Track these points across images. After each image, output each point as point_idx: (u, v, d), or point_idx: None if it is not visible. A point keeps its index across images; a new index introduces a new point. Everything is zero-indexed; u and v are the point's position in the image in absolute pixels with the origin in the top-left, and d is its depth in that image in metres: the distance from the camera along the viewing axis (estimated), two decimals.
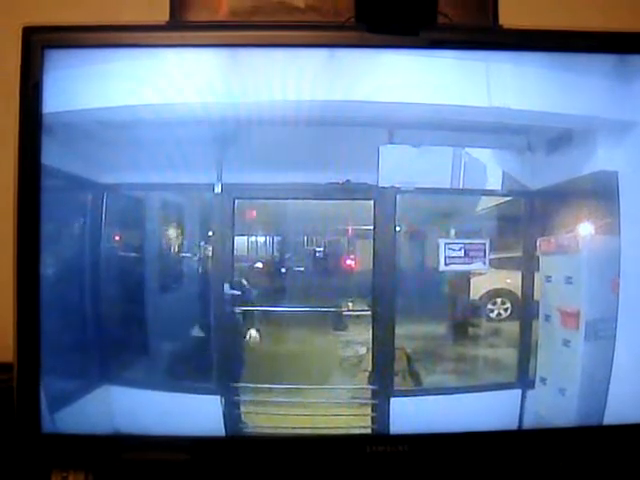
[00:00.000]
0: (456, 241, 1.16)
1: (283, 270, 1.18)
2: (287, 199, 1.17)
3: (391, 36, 1.08)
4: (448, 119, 1.14)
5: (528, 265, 1.17)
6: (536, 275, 1.17)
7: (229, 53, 1.11)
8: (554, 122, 1.17)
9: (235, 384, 1.15)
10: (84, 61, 1.08)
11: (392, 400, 1.16)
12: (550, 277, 1.17)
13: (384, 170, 1.14)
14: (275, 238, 1.19)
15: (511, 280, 1.21)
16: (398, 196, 1.15)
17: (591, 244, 1.16)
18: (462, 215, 1.19)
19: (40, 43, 1.06)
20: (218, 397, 1.15)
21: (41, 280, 1.07)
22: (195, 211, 1.20)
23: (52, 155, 1.08)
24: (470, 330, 1.20)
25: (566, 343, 1.17)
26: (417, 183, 1.15)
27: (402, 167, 1.15)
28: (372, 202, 1.15)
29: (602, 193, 1.16)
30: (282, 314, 1.18)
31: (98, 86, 1.09)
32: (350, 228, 1.18)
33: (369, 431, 1.17)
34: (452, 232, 1.17)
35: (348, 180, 1.14)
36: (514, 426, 1.16)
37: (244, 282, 1.17)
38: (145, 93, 1.11)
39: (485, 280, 1.20)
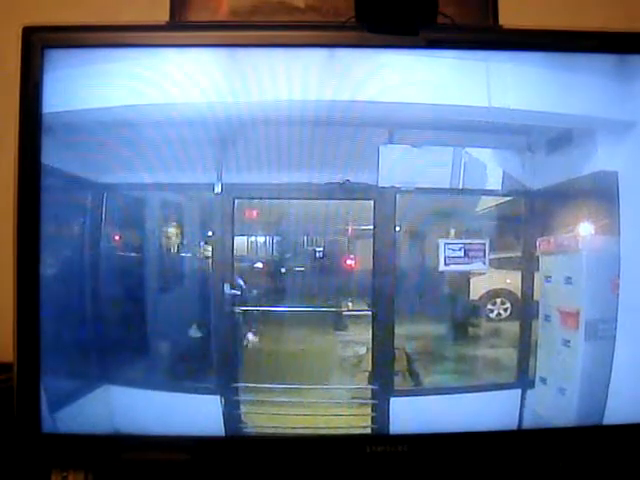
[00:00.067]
0: (456, 241, 1.16)
1: (283, 270, 1.18)
2: (287, 199, 1.17)
3: (391, 36, 1.08)
4: (448, 119, 1.14)
5: (528, 265, 1.17)
6: (536, 275, 1.17)
7: (229, 53, 1.11)
8: (554, 122, 1.17)
9: (235, 384, 1.15)
10: (84, 61, 1.08)
11: (392, 400, 1.16)
12: (550, 277, 1.17)
13: (384, 170, 1.14)
14: (275, 238, 1.19)
15: (511, 280, 1.21)
16: (398, 196, 1.15)
17: (591, 244, 1.16)
18: (462, 215, 1.19)
19: (40, 43, 1.06)
20: (218, 397, 1.15)
21: (41, 280, 1.07)
22: (195, 211, 1.20)
23: (52, 155, 1.08)
24: (470, 330, 1.20)
25: (566, 343, 1.17)
26: (417, 183, 1.15)
27: (402, 167, 1.15)
28: (372, 202, 1.15)
29: (602, 193, 1.16)
30: (282, 314, 1.18)
31: (98, 86, 1.09)
32: (350, 228, 1.18)
33: (369, 431, 1.17)
34: (452, 232, 1.17)
35: (348, 180, 1.14)
36: (514, 426, 1.16)
37: (244, 282, 1.17)
38: (145, 93, 1.11)
39: (485, 280, 1.20)
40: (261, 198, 1.17)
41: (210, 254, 1.15)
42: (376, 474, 1.13)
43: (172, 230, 1.17)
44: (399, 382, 1.17)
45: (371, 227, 1.15)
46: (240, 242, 1.16)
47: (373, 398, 1.16)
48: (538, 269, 1.17)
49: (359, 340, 1.18)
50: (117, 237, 1.17)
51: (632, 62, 1.13)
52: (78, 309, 1.13)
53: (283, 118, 1.12)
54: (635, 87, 1.14)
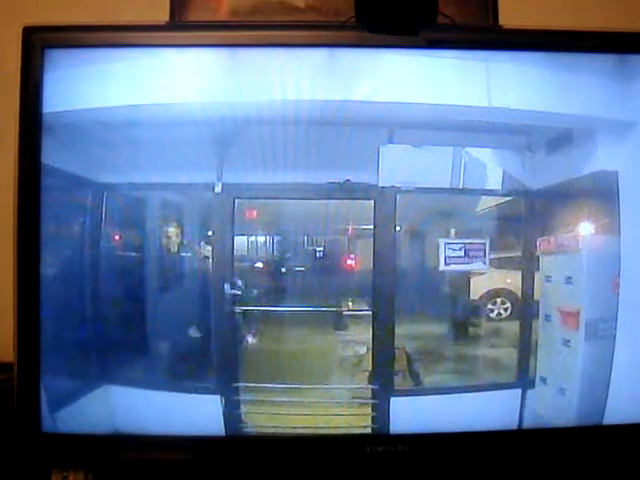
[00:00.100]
0: (456, 241, 1.16)
1: (283, 270, 1.18)
2: (287, 199, 1.17)
3: (391, 36, 1.08)
4: (448, 119, 1.14)
5: (528, 265, 1.17)
6: (536, 275, 1.17)
7: (229, 53, 1.11)
8: (554, 122, 1.17)
9: (235, 384, 1.15)
10: (84, 61, 1.08)
11: (392, 400, 1.16)
12: (550, 277, 1.17)
13: (384, 170, 1.14)
14: (275, 238, 1.19)
15: (511, 280, 1.21)
16: (398, 196, 1.15)
17: (591, 244, 1.16)
18: (462, 215, 1.19)
19: (40, 43, 1.06)
20: (218, 397, 1.15)
21: (41, 280, 1.07)
22: (195, 211, 1.20)
23: (52, 155, 1.08)
24: (470, 330, 1.20)
25: (566, 343, 1.17)
26: (417, 183, 1.16)
27: (402, 167, 1.15)
28: (372, 202, 1.15)
29: (602, 193, 1.16)
30: (282, 314, 1.18)
31: (98, 86, 1.09)
32: (350, 228, 1.18)
33: (369, 431, 1.17)
34: (452, 232, 1.17)
35: (348, 180, 1.14)
36: (514, 426, 1.16)
37: (244, 282, 1.17)
38: (145, 93, 1.11)
39: (485, 280, 1.20)
40: (261, 198, 1.17)
41: (210, 254, 1.15)
42: (376, 474, 1.13)
43: (172, 230, 1.17)
44: (399, 382, 1.17)
45: (371, 227, 1.15)
46: (240, 242, 1.16)
47: (373, 398, 1.16)
48: (538, 269, 1.17)
49: (359, 340, 1.18)
50: (117, 237, 1.17)
51: (632, 62, 1.13)
52: (78, 309, 1.13)
53: (283, 118, 1.12)
54: (635, 87, 1.14)
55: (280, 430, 1.14)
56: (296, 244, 1.18)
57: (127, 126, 1.11)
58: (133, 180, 1.15)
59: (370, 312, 1.16)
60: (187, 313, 1.18)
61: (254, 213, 1.19)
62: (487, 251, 1.16)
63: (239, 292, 1.16)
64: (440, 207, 1.19)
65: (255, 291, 1.18)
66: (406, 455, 1.11)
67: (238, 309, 1.16)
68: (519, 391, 1.18)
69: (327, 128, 1.13)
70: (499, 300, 1.21)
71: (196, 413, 1.15)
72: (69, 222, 1.14)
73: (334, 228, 1.18)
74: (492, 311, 1.21)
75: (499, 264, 1.18)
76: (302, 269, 1.18)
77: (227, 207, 1.14)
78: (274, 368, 1.18)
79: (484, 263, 1.16)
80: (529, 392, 1.17)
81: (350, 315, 1.19)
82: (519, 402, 1.17)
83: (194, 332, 1.17)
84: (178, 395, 1.16)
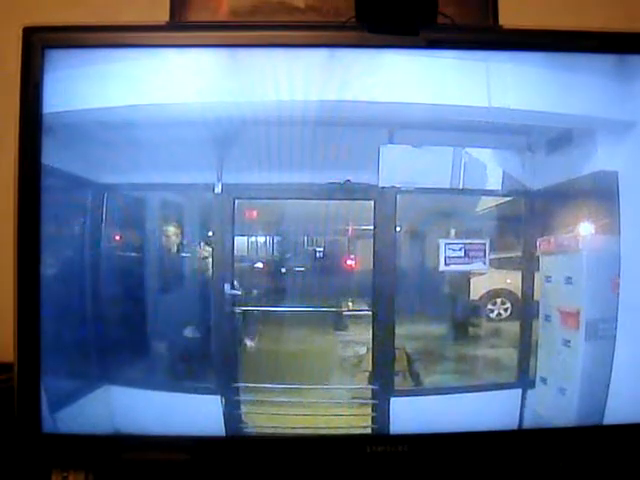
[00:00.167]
0: (456, 241, 1.16)
1: (283, 270, 1.18)
2: (287, 199, 1.17)
3: (391, 36, 1.08)
4: (448, 119, 1.14)
5: (528, 265, 1.17)
6: (536, 275, 1.17)
7: (229, 53, 1.11)
8: (554, 122, 1.17)
9: (235, 384, 1.15)
10: (84, 61, 1.08)
11: (392, 400, 1.16)
12: (550, 277, 1.17)
13: (384, 170, 1.14)
14: (275, 238, 1.19)
15: (511, 280, 1.21)
16: (398, 196, 1.15)
17: (591, 244, 1.16)
18: (462, 215, 1.19)
19: (40, 43, 1.06)
20: (218, 397, 1.15)
21: (41, 280, 1.07)
22: (195, 211, 1.20)
23: (52, 155, 1.08)
24: (470, 330, 1.20)
25: (566, 343, 1.17)
26: (417, 183, 1.16)
27: (402, 167, 1.15)
28: (372, 202, 1.15)
29: (602, 193, 1.16)
30: (282, 314, 1.18)
31: (98, 86, 1.09)
32: (350, 228, 1.18)
33: (369, 431, 1.17)
34: (452, 232, 1.17)
35: (348, 180, 1.14)
36: (514, 426, 1.16)
37: (244, 282, 1.17)
38: (145, 93, 1.11)
39: (485, 280, 1.20)
40: (261, 198, 1.17)
41: (210, 254, 1.15)
42: (376, 474, 1.13)
43: (172, 230, 1.17)
44: (399, 382, 1.17)
45: (371, 227, 1.15)
46: (240, 242, 1.16)
47: (373, 398, 1.16)
48: (538, 269, 1.17)
49: (359, 340, 1.18)
50: (117, 237, 1.17)
51: (632, 62, 1.13)
52: (78, 309, 1.13)
53: (283, 118, 1.12)
54: (635, 87, 1.14)
55: (280, 430, 1.14)
56: (296, 244, 1.18)
57: (127, 126, 1.11)
58: (133, 180, 1.15)
59: (370, 312, 1.16)
60: (187, 313, 1.18)
61: (254, 213, 1.19)
62: (487, 251, 1.16)
63: (239, 292, 1.16)
64: (440, 207, 1.19)
65: (255, 291, 1.18)
66: (406, 455, 1.11)
67: (238, 309, 1.16)
68: (519, 391, 1.18)
69: (327, 128, 1.13)
70: (499, 300, 1.21)
71: (196, 413, 1.15)
72: (69, 222, 1.14)
73: (334, 228, 1.18)
74: (492, 311, 1.21)
75: (499, 264, 1.18)
76: (302, 269, 1.18)
77: (227, 207, 1.14)
78: (274, 368, 1.18)
79: (484, 263, 1.16)
80: (529, 392, 1.18)
81: (350, 315, 1.19)
82: (519, 402, 1.17)
83: (194, 332, 1.17)
84: (178, 395, 1.16)
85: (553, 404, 1.17)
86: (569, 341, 1.17)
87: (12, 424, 1.08)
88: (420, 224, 1.18)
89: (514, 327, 1.20)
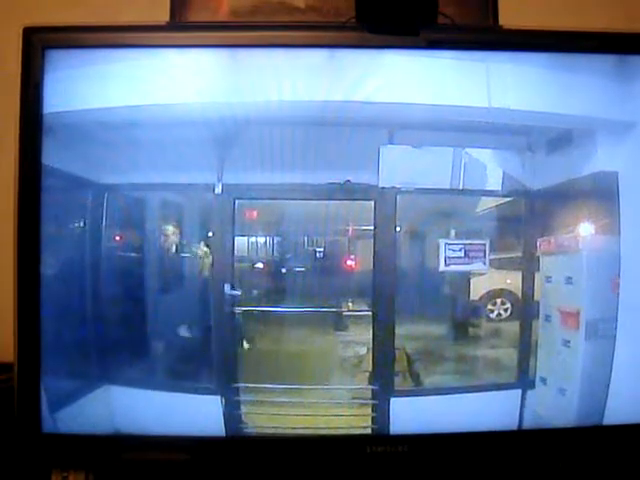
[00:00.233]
0: (456, 241, 1.16)
1: (283, 270, 1.18)
2: (287, 199, 1.17)
3: (391, 36, 1.08)
4: (448, 119, 1.14)
5: (528, 265, 1.17)
6: (536, 275, 1.17)
7: (229, 53, 1.11)
8: (554, 122, 1.17)
9: (235, 384, 1.15)
10: (84, 61, 1.08)
11: (392, 400, 1.16)
12: (550, 277, 1.17)
13: (384, 170, 1.14)
14: (275, 238, 1.19)
15: (511, 280, 1.21)
16: (398, 196, 1.15)
17: (591, 244, 1.16)
18: (462, 215, 1.19)
19: (40, 43, 1.06)
20: (218, 397, 1.15)
21: (41, 280, 1.07)
22: (195, 211, 1.20)
23: (52, 155, 1.08)
24: (470, 330, 1.20)
25: (566, 343, 1.17)
26: (417, 183, 1.16)
27: (402, 167, 1.15)
28: (372, 202, 1.15)
29: (602, 193, 1.16)
30: (283, 314, 1.18)
31: (98, 86, 1.09)
32: (350, 228, 1.18)
33: (369, 431, 1.17)
34: (452, 232, 1.17)
35: (348, 180, 1.14)
36: (514, 426, 1.17)
37: (244, 282, 1.17)
38: (145, 93, 1.11)
39: (485, 280, 1.20)
40: (262, 199, 1.17)
41: (211, 254, 1.15)
42: (376, 474, 1.13)
43: (173, 230, 1.17)
44: (399, 382, 1.17)
45: (371, 227, 1.15)
46: (240, 242, 1.16)
47: (373, 398, 1.16)
48: (538, 269, 1.17)
49: (359, 340, 1.18)
50: (118, 237, 1.17)
51: (632, 63, 1.13)
52: (79, 309, 1.13)
53: (283, 118, 1.12)
54: (635, 87, 1.14)
55: (280, 431, 1.14)
56: (296, 245, 1.18)
57: (127, 127, 1.11)
58: (133, 181, 1.15)
59: (370, 312, 1.16)
60: (187, 313, 1.18)
61: (254, 214, 1.19)
62: (487, 252, 1.16)
63: (239, 292, 1.16)
64: (440, 208, 1.19)
65: (255, 291, 1.18)
66: (406, 455, 1.11)
67: (238, 309, 1.16)
68: (519, 391, 1.18)
69: (327, 128, 1.13)
70: (499, 300, 1.21)
71: (196, 413, 1.15)
72: (69, 223, 1.14)
73: (334, 229, 1.18)
74: (492, 311, 1.21)
75: (499, 265, 1.18)
76: (302, 270, 1.18)
77: (227, 208, 1.14)
78: (274, 369, 1.18)
79: (484, 264, 1.16)
80: (529, 392, 1.18)
81: (350, 316, 1.19)
82: (519, 402, 1.17)
83: (194, 332, 1.17)
84: (178, 395, 1.16)
85: (553, 404, 1.17)
86: (569, 341, 1.17)
87: (12, 424, 1.08)
88: (420, 224, 1.18)
89: (514, 327, 1.20)
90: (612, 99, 1.15)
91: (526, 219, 1.18)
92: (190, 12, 1.42)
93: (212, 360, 1.17)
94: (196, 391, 1.16)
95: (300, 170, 1.14)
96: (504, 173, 1.18)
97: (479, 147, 1.18)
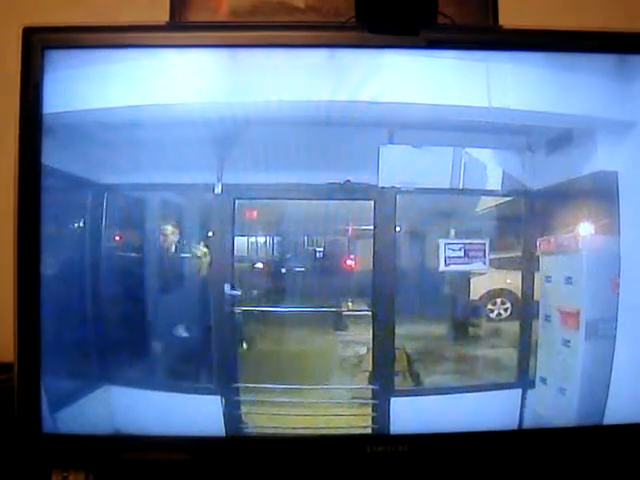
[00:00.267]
0: (456, 241, 1.16)
1: (283, 270, 1.18)
2: (287, 199, 1.17)
3: (391, 36, 1.08)
4: (448, 119, 1.14)
5: (528, 265, 1.17)
6: (536, 275, 1.17)
7: (229, 53, 1.11)
8: (554, 122, 1.17)
9: (235, 384, 1.15)
10: (84, 62, 1.08)
11: (392, 400, 1.16)
12: (550, 277, 1.17)
13: (384, 170, 1.14)
14: (275, 238, 1.19)
15: (511, 280, 1.21)
16: (398, 196, 1.15)
17: (591, 244, 1.16)
18: (462, 215, 1.19)
19: (40, 44, 1.06)
20: (218, 397, 1.15)
21: (41, 280, 1.07)
22: (195, 211, 1.20)
23: (52, 155, 1.08)
24: (470, 330, 1.20)
25: (566, 343, 1.17)
26: (417, 183, 1.16)
27: (402, 167, 1.15)
28: (372, 202, 1.15)
29: (602, 193, 1.16)
30: (282, 314, 1.18)
31: (98, 87, 1.09)
32: (350, 228, 1.18)
33: (369, 431, 1.17)
34: (452, 232, 1.17)
35: (348, 180, 1.14)
36: (514, 426, 1.16)
37: (244, 282, 1.17)
38: (145, 94, 1.11)
39: (485, 280, 1.20)
40: (262, 198, 1.17)
41: (210, 254, 1.15)
42: (376, 474, 1.13)
43: (172, 230, 1.17)
44: (399, 382, 1.17)
45: (371, 227, 1.15)
46: (240, 242, 1.16)
47: (373, 398, 1.16)
48: (538, 269, 1.17)
49: (359, 340, 1.18)
50: (117, 237, 1.17)
51: (632, 62, 1.13)
52: (79, 309, 1.13)
53: (283, 118, 1.12)
54: (635, 87, 1.14)
55: (280, 430, 1.14)
56: (296, 244, 1.18)
57: (127, 127, 1.11)
58: (133, 181, 1.15)
59: (370, 312, 1.16)
60: (188, 314, 1.18)
61: (254, 214, 1.19)
62: (487, 251, 1.16)
63: (239, 292, 1.16)
64: (440, 207, 1.19)
65: (255, 291, 1.18)
66: (406, 455, 1.11)
67: (238, 309, 1.16)
68: (519, 391, 1.18)
69: (327, 128, 1.13)
70: (499, 300, 1.21)
71: (196, 414, 1.15)
72: (69, 223, 1.14)
73: (334, 228, 1.18)
74: (492, 311, 1.21)
75: (499, 264, 1.18)
76: (302, 269, 1.18)
77: (227, 208, 1.14)
78: (274, 369, 1.18)
79: (484, 263, 1.16)
80: (529, 392, 1.18)
81: (350, 315, 1.19)
82: (519, 402, 1.17)
83: (194, 332, 1.17)
84: (178, 395, 1.16)
85: (553, 404, 1.17)
86: (569, 341, 1.17)
87: (12, 424, 1.08)
88: (420, 224, 1.18)
89: (514, 327, 1.20)
90: (612, 98, 1.15)
91: (526, 219, 1.18)
92: (190, 12, 1.42)
93: (212, 360, 1.17)
94: (196, 391, 1.16)
95: (300, 170, 1.14)
96: (504, 173, 1.18)
97: (479, 147, 1.18)
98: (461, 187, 1.16)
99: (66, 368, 1.12)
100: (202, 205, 1.18)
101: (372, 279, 1.15)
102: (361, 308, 1.18)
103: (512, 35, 1.14)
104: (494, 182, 1.18)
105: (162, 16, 1.37)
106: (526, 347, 1.17)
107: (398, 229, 1.16)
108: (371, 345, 1.17)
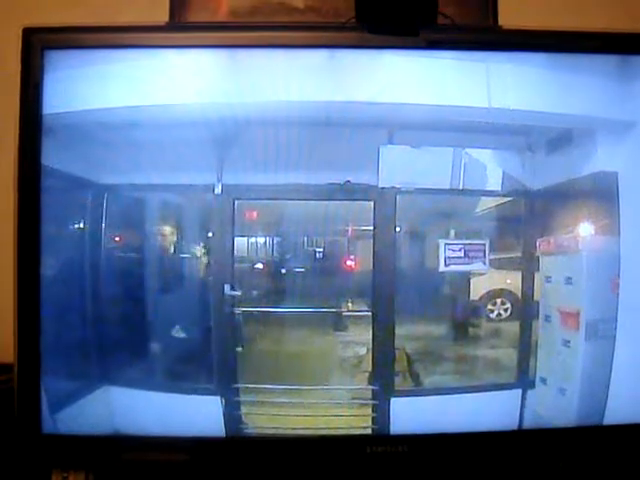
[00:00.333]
0: (456, 241, 1.16)
1: (283, 271, 1.18)
2: (287, 200, 1.17)
3: (391, 37, 1.08)
4: (448, 120, 1.14)
5: (528, 265, 1.17)
6: (536, 275, 1.17)
7: (229, 54, 1.11)
8: (554, 122, 1.17)
9: (235, 385, 1.15)
10: (84, 62, 1.08)
11: (392, 400, 1.16)
12: (550, 277, 1.17)
13: (384, 171, 1.14)
14: (275, 239, 1.19)
15: (511, 280, 1.21)
16: (398, 197, 1.15)
17: (591, 244, 1.16)
18: (462, 216, 1.19)
19: (40, 44, 1.06)
20: (218, 398, 1.15)
21: (41, 280, 1.07)
22: (195, 212, 1.20)
23: (52, 156, 1.08)
24: (470, 330, 1.20)
25: (566, 343, 1.17)
26: (417, 184, 1.15)
27: (402, 168, 1.15)
28: (372, 203, 1.15)
29: (602, 193, 1.16)
30: (282, 315, 1.18)
31: (98, 87, 1.09)
32: (350, 229, 1.18)
33: (369, 431, 1.17)
34: (452, 232, 1.17)
35: (348, 181, 1.14)
36: (514, 426, 1.16)
37: (244, 283, 1.17)
38: (145, 94, 1.11)
39: (485, 280, 1.20)
40: (261, 199, 1.17)
41: (210, 255, 1.15)
42: (376, 474, 1.13)
43: (172, 231, 1.17)
44: (399, 382, 1.17)
45: (371, 228, 1.15)
46: (240, 243, 1.16)
47: (373, 398, 1.16)
48: (538, 269, 1.17)
49: (359, 341, 1.18)
50: (117, 238, 1.17)
51: (632, 62, 1.13)
52: (79, 310, 1.13)
53: (283, 119, 1.12)
54: (635, 87, 1.14)
55: (280, 431, 1.14)
56: (296, 245, 1.18)
57: (127, 127, 1.11)
58: (133, 181, 1.15)
59: (370, 313, 1.16)
60: (187, 314, 1.18)
61: (254, 214, 1.19)
62: (487, 252, 1.16)
63: (239, 293, 1.16)
64: (440, 208, 1.19)
65: (255, 292, 1.18)
66: (406, 456, 1.11)
67: (238, 310, 1.16)
68: (519, 391, 1.18)
69: (327, 129, 1.13)
70: (499, 301, 1.21)
71: (196, 414, 1.15)
72: (69, 223, 1.14)
73: (334, 229, 1.18)
74: (492, 312, 1.21)
75: (499, 265, 1.18)
76: (302, 270, 1.18)
77: (227, 208, 1.14)
78: (274, 369, 1.18)
79: (484, 264, 1.16)
80: (529, 392, 1.18)
81: (350, 316, 1.19)
82: (519, 402, 1.17)
83: (194, 333, 1.17)
84: (178, 396, 1.16)
85: (553, 404, 1.17)
86: (569, 341, 1.17)
87: (12, 424, 1.08)
88: (420, 225, 1.18)
89: (514, 327, 1.20)
90: (612, 98, 1.15)
91: (526, 219, 1.18)
92: (189, 12, 1.42)
93: (212, 360, 1.17)
94: (196, 392, 1.16)
95: (300, 170, 1.14)
96: (504, 173, 1.18)
97: (479, 147, 1.18)
98: (461, 187, 1.16)
99: (66, 368, 1.12)
100: (202, 206, 1.18)
101: (372, 279, 1.15)
102: (361, 308, 1.18)
103: (512, 35, 1.14)
104: (494, 182, 1.18)
105: (162, 16, 1.37)
106: (526, 347, 1.17)
107: (398, 229, 1.16)
108: (371, 345, 1.17)
